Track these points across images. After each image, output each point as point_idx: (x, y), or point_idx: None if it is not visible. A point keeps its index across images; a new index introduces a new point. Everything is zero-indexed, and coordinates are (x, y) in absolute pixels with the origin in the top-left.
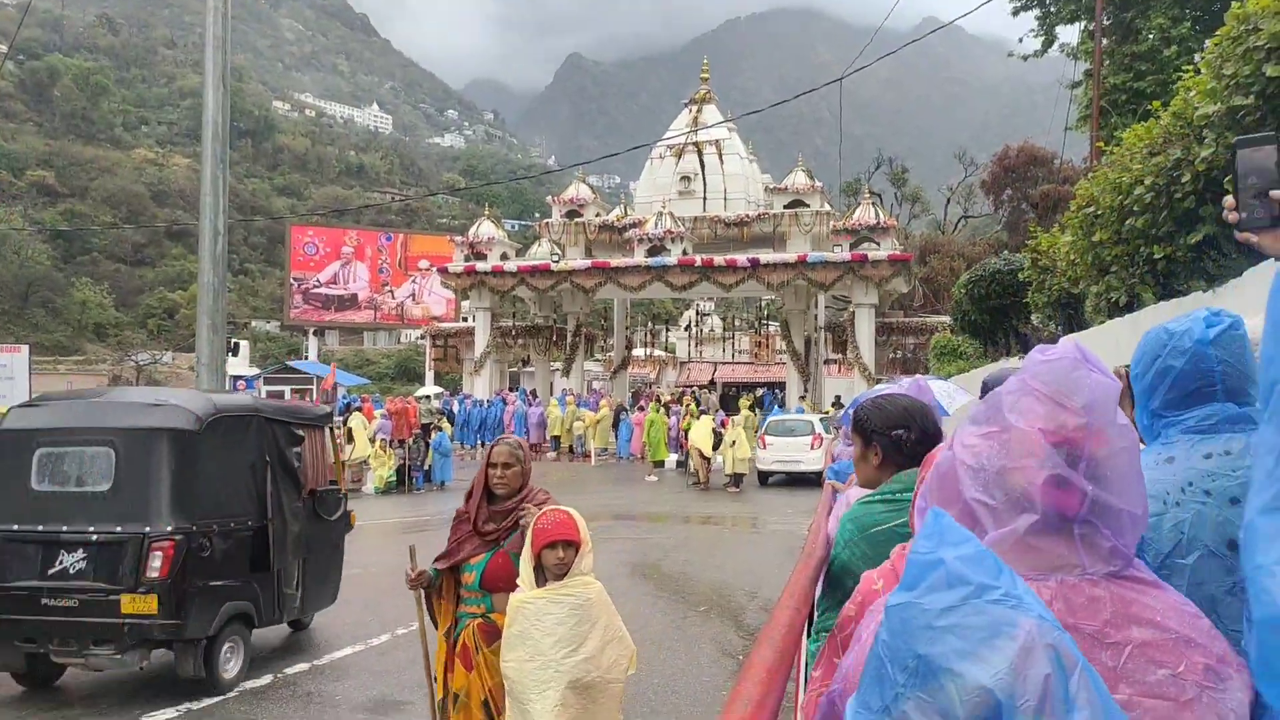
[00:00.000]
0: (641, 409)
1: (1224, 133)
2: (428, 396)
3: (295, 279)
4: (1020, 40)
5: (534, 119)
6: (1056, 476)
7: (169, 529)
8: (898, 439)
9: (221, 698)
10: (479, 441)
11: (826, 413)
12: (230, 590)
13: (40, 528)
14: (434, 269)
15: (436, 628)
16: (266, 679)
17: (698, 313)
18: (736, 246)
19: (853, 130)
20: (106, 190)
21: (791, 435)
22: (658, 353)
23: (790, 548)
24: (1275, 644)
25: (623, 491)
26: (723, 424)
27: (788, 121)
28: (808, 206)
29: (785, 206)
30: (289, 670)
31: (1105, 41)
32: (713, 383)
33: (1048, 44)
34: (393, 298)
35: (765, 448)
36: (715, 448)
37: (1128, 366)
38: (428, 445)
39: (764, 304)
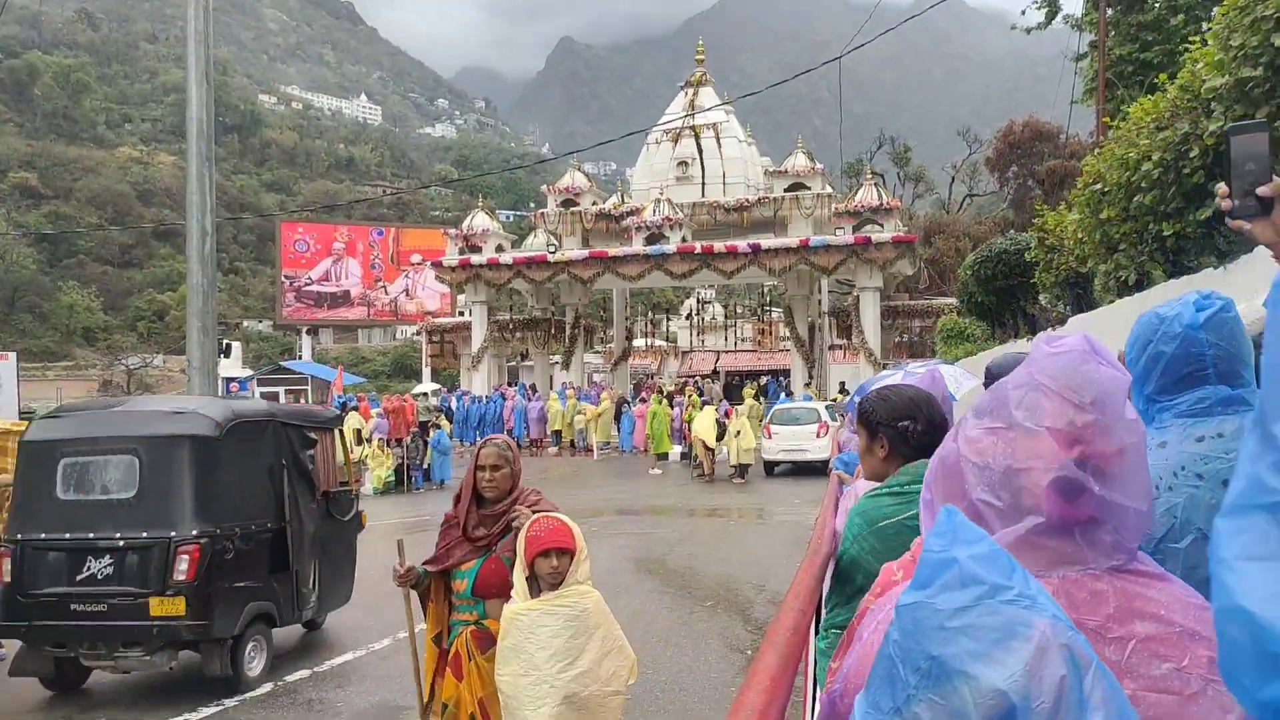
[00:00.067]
0: (644, 401)
1: (1232, 105)
2: (425, 394)
3: (286, 277)
4: (1023, 13)
5: (526, 106)
6: (1063, 479)
7: (194, 533)
8: (904, 430)
9: (220, 707)
10: (478, 438)
11: (834, 400)
12: (253, 591)
13: (67, 536)
14: (427, 263)
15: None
16: (267, 687)
17: (699, 301)
18: (737, 232)
19: (853, 109)
20: (91, 191)
21: (797, 424)
22: (659, 343)
23: (798, 538)
24: (1229, 634)
25: (626, 485)
26: (726, 414)
27: (786, 102)
28: (809, 189)
29: (786, 190)
30: (289, 678)
31: (1110, 11)
32: (715, 372)
33: (1051, 16)
34: (386, 294)
35: (770, 437)
36: (719, 438)
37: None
38: (426, 443)
39: (766, 290)
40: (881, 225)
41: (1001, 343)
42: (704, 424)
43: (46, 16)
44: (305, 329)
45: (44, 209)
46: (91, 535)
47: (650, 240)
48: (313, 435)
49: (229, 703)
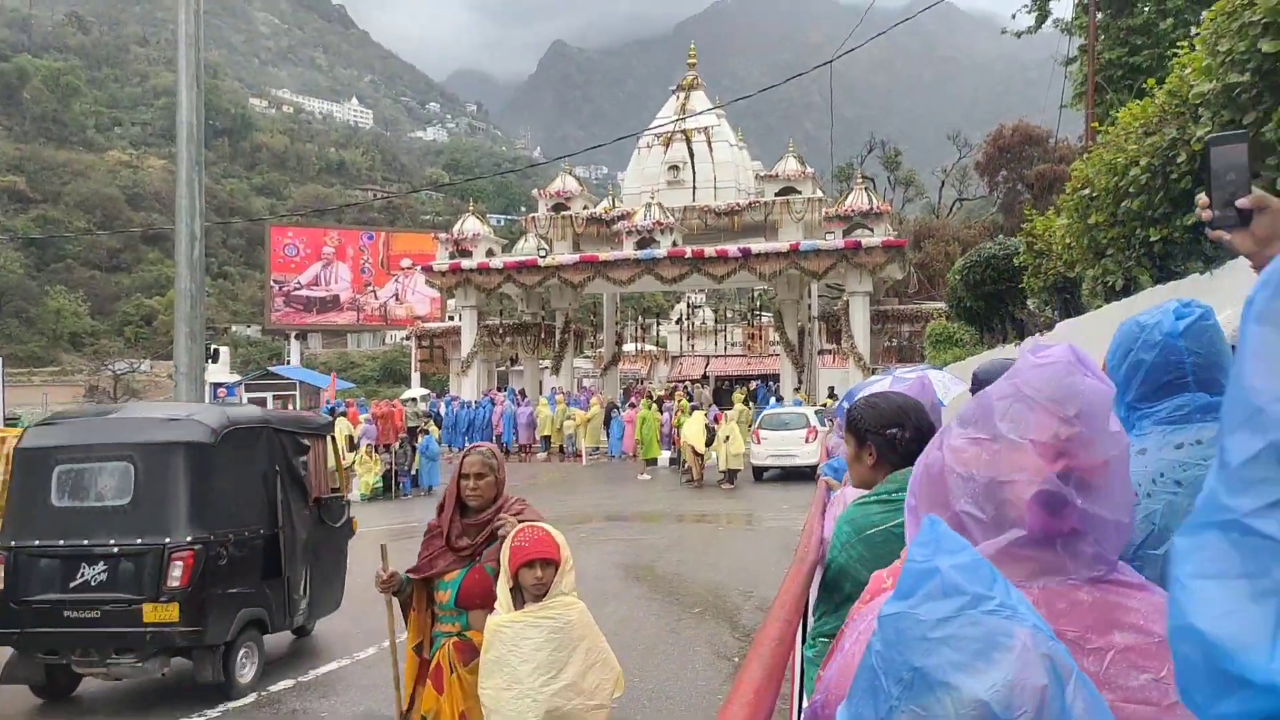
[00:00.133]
0: (633, 406)
1: (1220, 111)
2: (414, 399)
3: (276, 281)
4: (1013, 16)
5: (518, 109)
6: (1047, 493)
7: (188, 539)
8: (892, 438)
9: (203, 718)
10: (467, 444)
11: (824, 405)
12: (245, 597)
13: (61, 542)
14: (417, 268)
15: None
16: (250, 698)
17: (689, 305)
18: (727, 236)
19: (844, 113)
20: (80, 194)
21: (786, 429)
22: (649, 347)
23: (786, 544)
24: (1183, 652)
25: (615, 491)
26: (716, 419)
27: (778, 106)
28: (799, 193)
29: (777, 194)
30: (273, 688)
31: (1100, 15)
32: (705, 376)
33: (1041, 19)
34: (375, 298)
35: (759, 442)
36: (709, 444)
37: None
38: (414, 449)
39: (756, 294)
40: (871, 230)
41: (990, 347)
42: (693, 429)
43: (36, 19)
44: (294, 334)
45: (32, 213)
46: (86, 542)
47: (641, 244)
48: (306, 442)
49: (211, 714)
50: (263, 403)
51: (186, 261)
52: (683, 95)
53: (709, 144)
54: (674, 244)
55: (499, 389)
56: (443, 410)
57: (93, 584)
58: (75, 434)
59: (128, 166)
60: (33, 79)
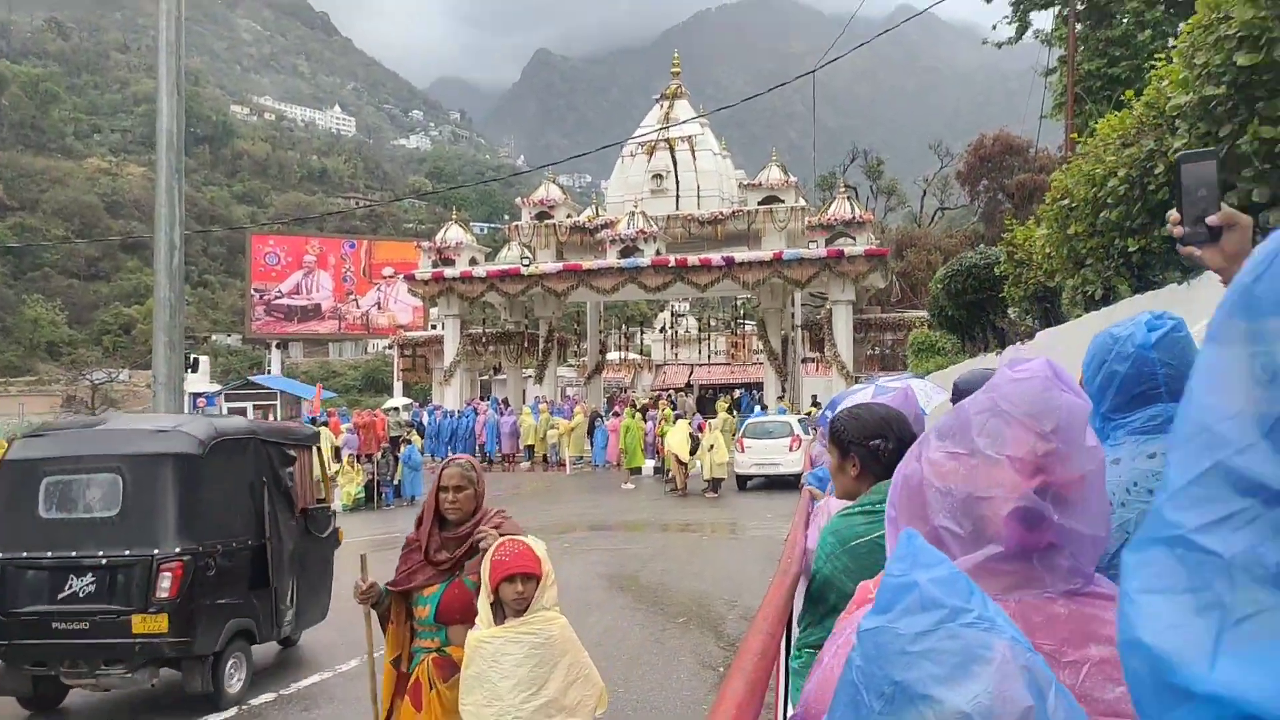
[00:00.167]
0: (617, 415)
1: (1196, 123)
2: (396, 408)
3: (256, 290)
4: (994, 27)
5: (502, 117)
6: (1024, 509)
7: (177, 550)
8: (875, 449)
9: None
10: (450, 453)
11: (807, 413)
12: (233, 608)
13: (49, 554)
14: (400, 276)
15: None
16: (232, 711)
17: (673, 314)
18: (711, 245)
19: (826, 123)
20: (58, 202)
21: (770, 437)
22: (633, 356)
23: (770, 553)
24: (1131, 667)
25: (599, 500)
26: (700, 428)
27: (761, 115)
28: (782, 202)
29: (760, 202)
30: (254, 701)
31: (1079, 26)
32: (689, 385)
33: (1021, 30)
34: (357, 307)
35: (743, 451)
36: (693, 452)
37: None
38: (397, 459)
39: (740, 303)
40: (854, 238)
41: (972, 356)
42: (677, 438)
43: (15, 25)
44: (275, 343)
45: (9, 221)
46: (74, 553)
47: (624, 253)
48: (292, 453)
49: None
50: (243, 413)
51: (166, 270)
52: (666, 104)
53: (692, 153)
54: (657, 253)
55: (482, 398)
56: (425, 420)
57: (81, 595)
58: (63, 445)
59: (107, 174)
60: (10, 85)
